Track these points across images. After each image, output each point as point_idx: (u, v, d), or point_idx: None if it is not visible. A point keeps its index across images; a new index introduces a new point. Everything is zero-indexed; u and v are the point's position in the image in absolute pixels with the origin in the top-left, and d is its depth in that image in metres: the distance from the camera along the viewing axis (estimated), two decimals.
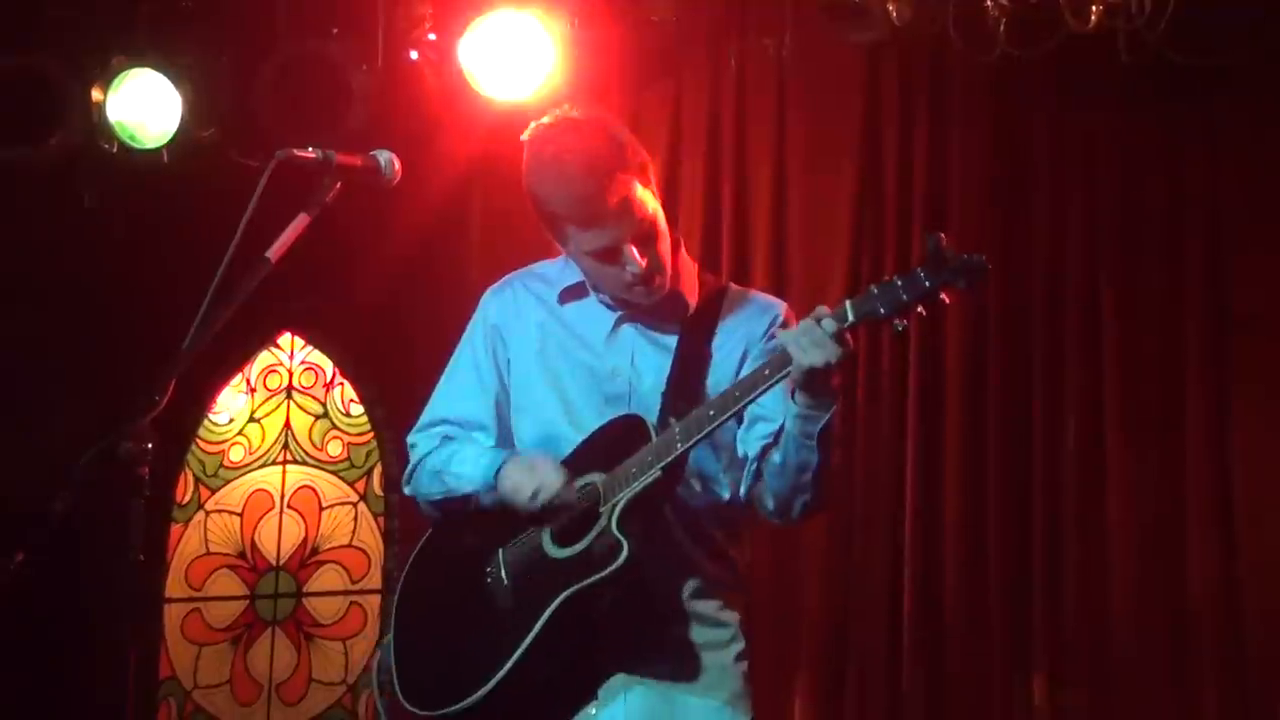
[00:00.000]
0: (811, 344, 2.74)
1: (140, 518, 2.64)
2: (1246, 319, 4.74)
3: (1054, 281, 4.89)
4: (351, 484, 5.83)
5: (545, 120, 3.04)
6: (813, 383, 2.79)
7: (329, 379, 5.90)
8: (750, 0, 5.21)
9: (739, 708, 3.02)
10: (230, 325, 2.69)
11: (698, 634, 3.02)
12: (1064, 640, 4.73)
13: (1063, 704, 4.69)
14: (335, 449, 5.86)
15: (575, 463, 2.99)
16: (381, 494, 5.76)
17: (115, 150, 5.24)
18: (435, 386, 3.28)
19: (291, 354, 5.95)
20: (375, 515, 5.77)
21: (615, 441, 2.95)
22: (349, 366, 5.85)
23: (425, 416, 3.25)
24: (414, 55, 5.12)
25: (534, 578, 2.93)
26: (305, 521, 5.81)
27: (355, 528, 5.79)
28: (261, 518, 5.84)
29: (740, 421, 2.98)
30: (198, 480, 5.88)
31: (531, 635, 2.87)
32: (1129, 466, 4.76)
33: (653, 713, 2.96)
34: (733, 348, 3.08)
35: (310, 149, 2.82)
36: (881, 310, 2.72)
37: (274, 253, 2.75)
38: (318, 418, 5.90)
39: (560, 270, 3.19)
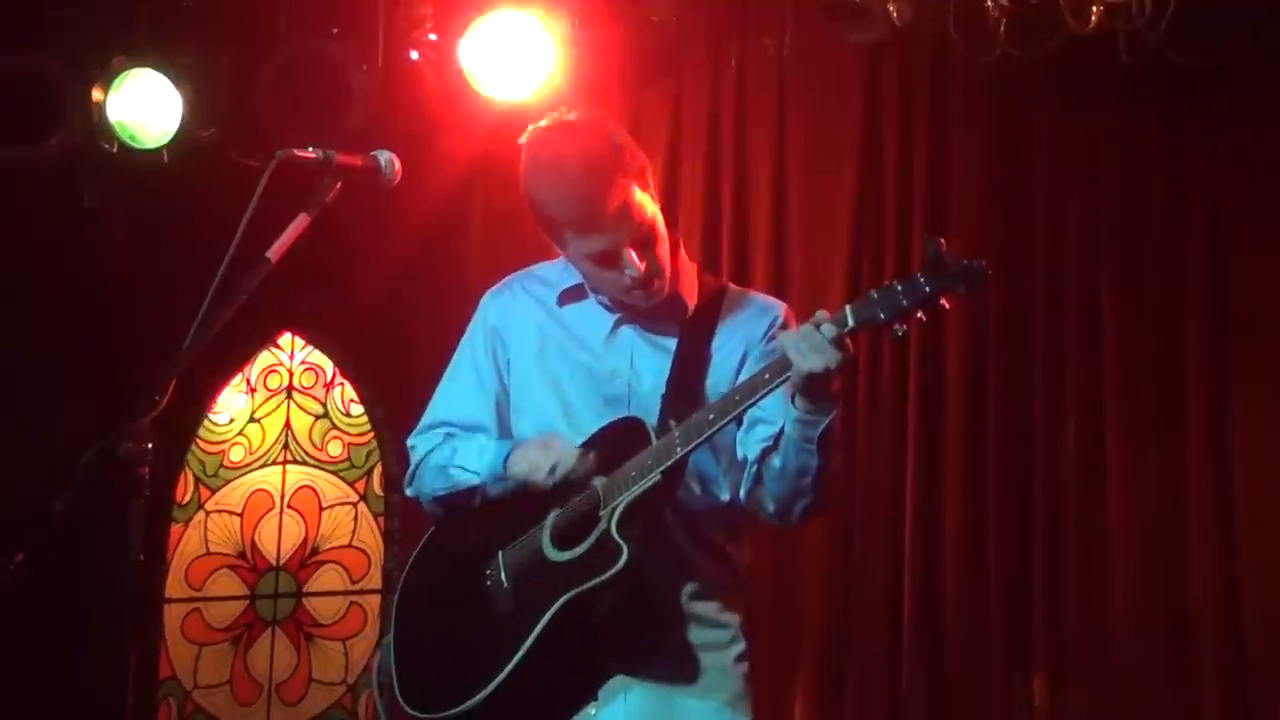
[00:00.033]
0: (811, 349, 2.74)
1: (140, 518, 2.64)
2: (1246, 319, 4.74)
3: (1054, 282, 4.89)
4: (351, 484, 5.83)
5: (543, 123, 3.04)
6: (812, 388, 2.78)
7: (329, 379, 5.90)
8: (750, 0, 5.21)
9: (739, 709, 3.02)
10: (230, 325, 2.69)
11: (698, 635, 3.02)
12: (1064, 640, 4.73)
13: (1063, 704, 4.69)
14: (335, 449, 5.86)
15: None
16: (382, 494, 5.76)
17: (115, 150, 5.24)
18: (435, 388, 3.28)
19: (292, 354, 5.95)
20: (375, 515, 5.77)
21: (615, 444, 2.94)
22: (349, 366, 5.85)
23: (426, 419, 3.25)
24: (414, 55, 5.12)
25: (534, 580, 2.93)
26: (305, 521, 5.81)
27: (355, 528, 5.79)
28: (262, 518, 5.84)
29: (740, 424, 2.98)
30: (198, 480, 5.88)
31: (531, 639, 2.87)
32: (1129, 467, 4.76)
33: (653, 713, 2.95)
34: (732, 349, 3.08)
35: (310, 149, 2.82)
36: (881, 316, 2.72)
37: (274, 253, 2.75)
38: (318, 418, 5.90)
39: (559, 272, 3.19)
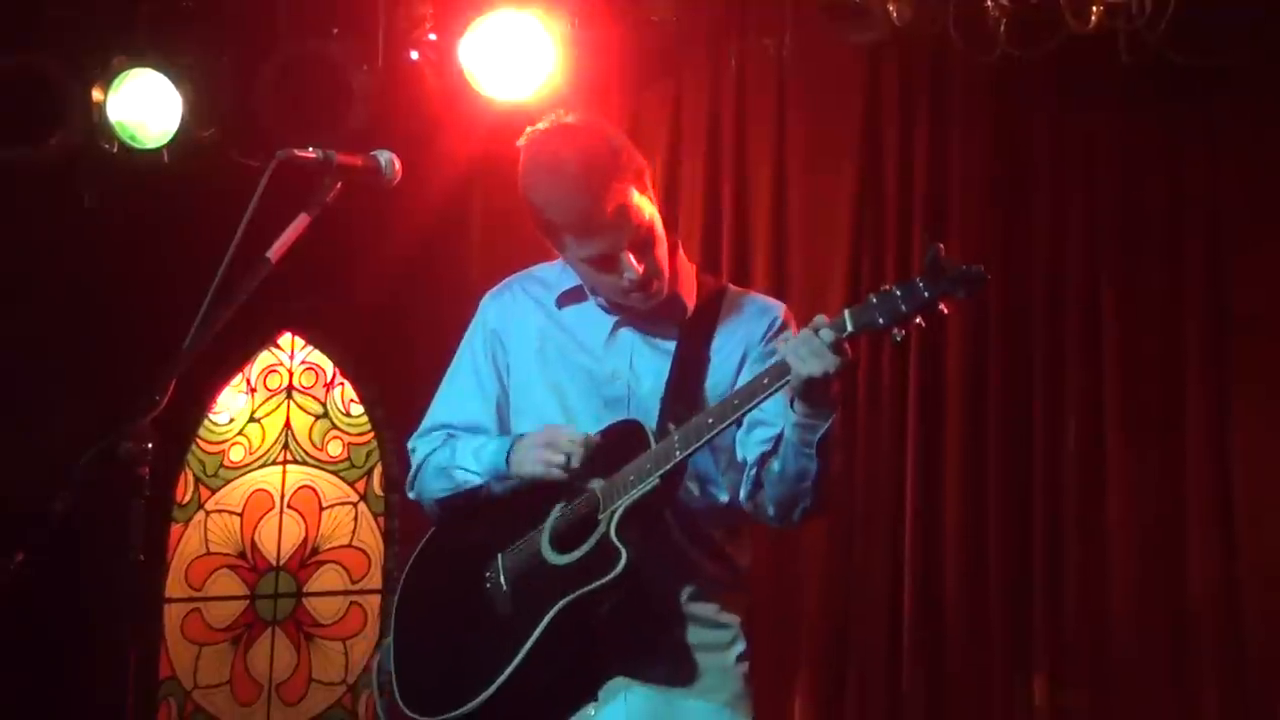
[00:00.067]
0: (810, 354, 2.74)
1: (140, 518, 2.64)
2: (1247, 319, 4.74)
3: (1054, 282, 4.89)
4: (352, 484, 5.83)
5: (540, 126, 3.03)
6: (811, 392, 2.78)
7: (329, 379, 5.90)
8: (750, 0, 5.21)
9: (739, 709, 3.02)
10: (230, 325, 2.69)
11: (698, 636, 3.02)
12: (1064, 641, 4.72)
13: (1063, 705, 4.69)
14: (335, 449, 5.86)
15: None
16: (382, 494, 5.76)
17: (115, 150, 5.24)
18: (435, 388, 3.28)
19: (292, 354, 5.95)
20: (375, 515, 5.77)
21: (614, 447, 2.94)
22: (349, 366, 5.85)
23: (426, 422, 3.25)
24: (414, 55, 5.11)
25: (533, 584, 2.93)
26: (305, 521, 5.81)
27: (355, 528, 5.79)
28: (262, 518, 5.84)
29: (740, 425, 2.97)
30: (198, 480, 5.88)
31: (530, 642, 2.87)
32: (1129, 467, 4.76)
33: (653, 714, 2.95)
34: (731, 350, 3.08)
35: (311, 149, 2.82)
36: (880, 320, 2.72)
37: (274, 253, 2.75)
38: (318, 418, 5.90)
39: (559, 273, 3.18)
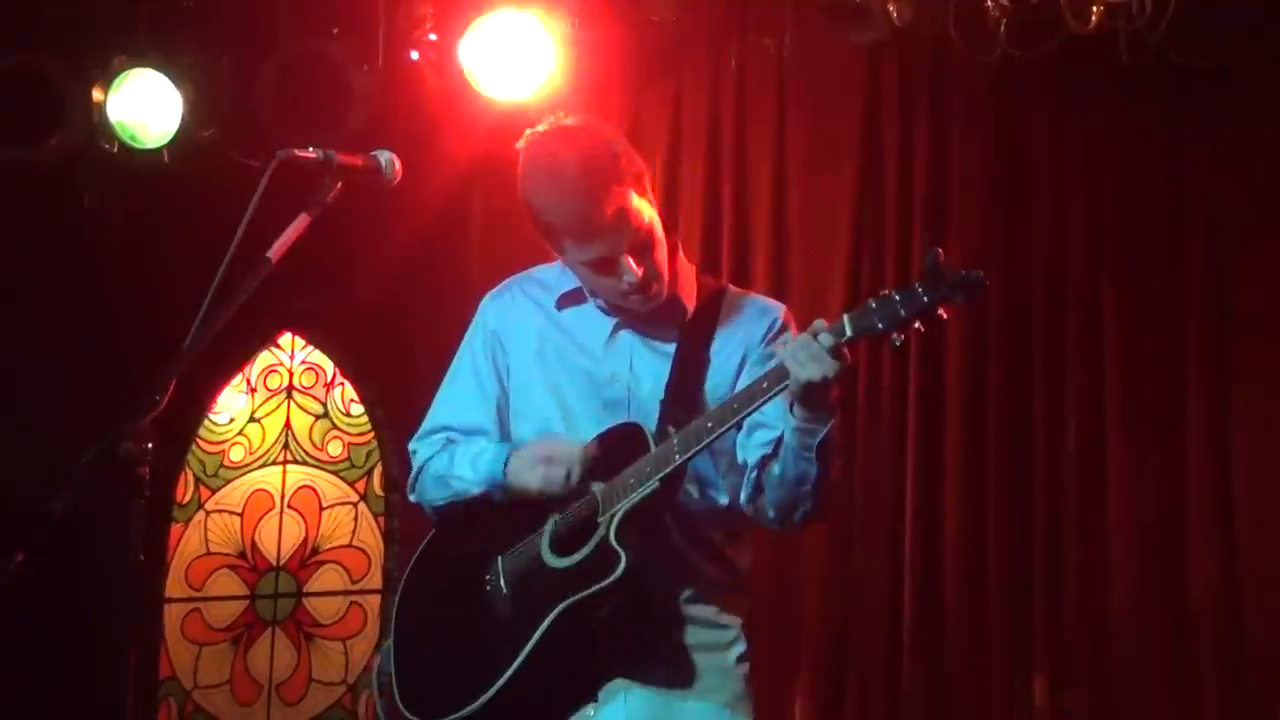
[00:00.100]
0: (809, 358, 2.73)
1: (140, 518, 2.64)
2: (1247, 319, 4.74)
3: (1054, 282, 4.89)
4: (352, 484, 5.83)
5: (540, 129, 3.03)
6: (810, 396, 2.78)
7: (329, 379, 5.90)
8: (750, 0, 5.21)
9: (740, 710, 3.02)
10: (230, 325, 2.69)
11: (698, 637, 3.01)
12: (1065, 641, 4.73)
13: (1063, 705, 4.69)
14: (335, 449, 5.86)
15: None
16: (382, 494, 5.76)
17: (115, 150, 5.24)
18: (435, 388, 3.28)
19: (292, 354, 5.95)
20: (375, 515, 5.77)
21: (613, 450, 2.94)
22: (349, 366, 5.85)
23: (426, 424, 3.25)
24: (415, 55, 5.11)
25: (533, 587, 2.94)
26: (305, 521, 5.81)
27: (355, 528, 5.79)
28: (262, 518, 5.84)
29: (739, 428, 2.97)
30: (198, 480, 5.88)
31: (530, 645, 2.87)
32: (1129, 467, 4.76)
33: (653, 714, 2.95)
34: (731, 352, 3.07)
35: (311, 149, 2.82)
36: (879, 326, 2.71)
37: (274, 253, 2.75)
38: (318, 418, 5.90)
39: (558, 275, 3.18)
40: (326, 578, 5.76)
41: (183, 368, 2.66)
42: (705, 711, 2.99)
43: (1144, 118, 4.87)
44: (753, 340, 3.08)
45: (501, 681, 2.87)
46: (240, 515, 5.85)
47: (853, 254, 5.00)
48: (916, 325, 2.71)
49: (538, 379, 3.13)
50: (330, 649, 5.72)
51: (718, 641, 3.04)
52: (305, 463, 5.86)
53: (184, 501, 5.86)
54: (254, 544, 5.82)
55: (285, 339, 5.94)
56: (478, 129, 5.01)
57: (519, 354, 3.17)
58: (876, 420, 4.90)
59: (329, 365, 5.90)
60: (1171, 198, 4.85)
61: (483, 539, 3.06)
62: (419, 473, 3.21)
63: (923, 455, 4.87)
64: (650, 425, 2.95)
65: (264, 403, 5.91)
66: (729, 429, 2.86)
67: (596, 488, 2.92)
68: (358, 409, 5.85)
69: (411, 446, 3.26)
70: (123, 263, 5.49)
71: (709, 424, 2.85)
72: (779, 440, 2.91)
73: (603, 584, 2.83)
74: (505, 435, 3.16)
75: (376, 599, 5.68)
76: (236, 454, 5.89)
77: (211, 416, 5.90)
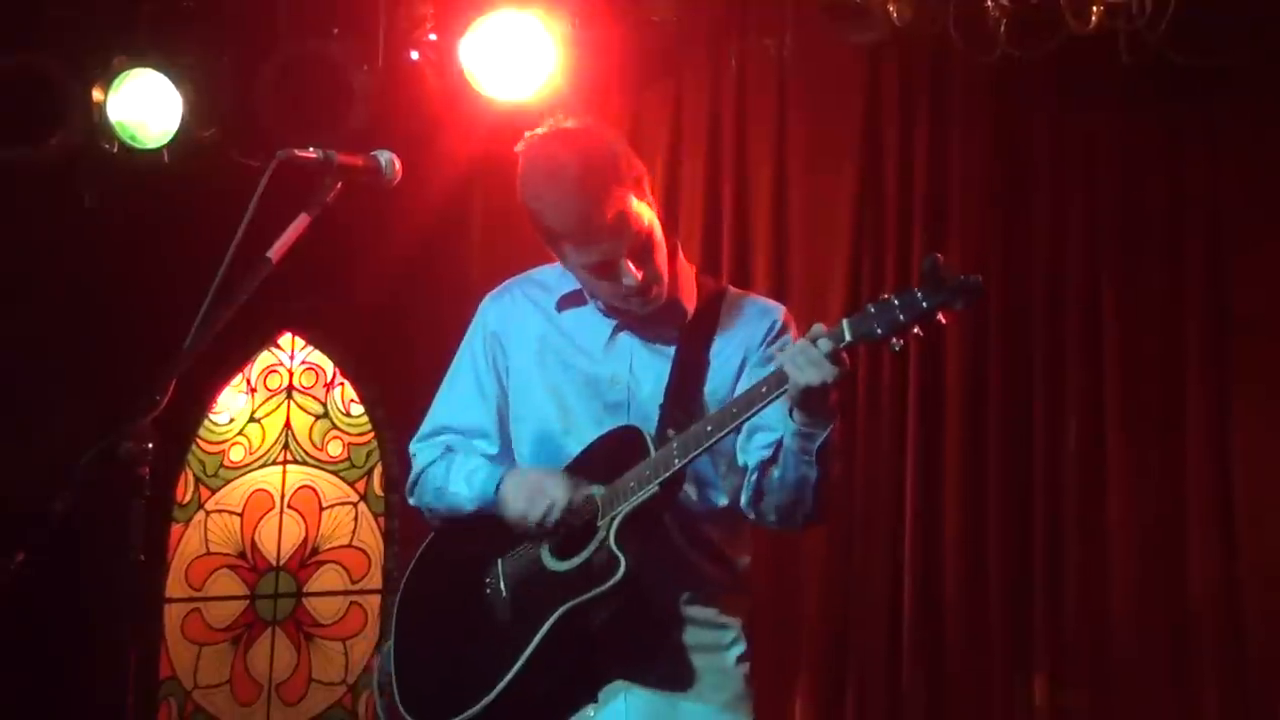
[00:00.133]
0: (808, 363, 2.73)
1: (140, 518, 2.64)
2: (1247, 319, 4.74)
3: (1054, 282, 4.89)
4: (352, 484, 5.83)
5: (539, 131, 3.02)
6: (809, 401, 2.78)
7: (329, 379, 5.90)
8: (750, 0, 5.21)
9: (740, 710, 3.03)
10: (230, 325, 2.69)
11: (697, 638, 3.02)
12: (1065, 641, 4.73)
13: (1063, 705, 4.69)
14: (335, 449, 5.86)
15: (574, 474, 2.98)
16: (382, 494, 5.76)
17: (115, 150, 5.23)
18: (435, 388, 3.28)
19: (292, 354, 5.95)
20: (375, 515, 5.77)
21: (613, 453, 2.95)
22: (349, 366, 5.85)
23: (426, 425, 3.25)
24: (415, 55, 5.11)
25: (532, 590, 2.94)
26: (305, 521, 5.81)
27: (355, 528, 5.79)
28: (262, 518, 5.83)
29: (739, 431, 2.97)
30: (198, 480, 5.88)
31: (530, 649, 2.87)
32: (1130, 467, 4.76)
33: (653, 714, 2.95)
34: (731, 354, 3.07)
35: (311, 149, 2.82)
36: (878, 331, 2.71)
37: (274, 253, 2.74)
38: (318, 418, 5.90)
39: (559, 277, 3.17)
40: (326, 578, 5.76)
41: (183, 368, 2.65)
42: (705, 712, 2.99)
43: (1144, 118, 4.87)
44: (753, 342, 3.08)
45: (502, 685, 2.87)
46: (240, 515, 5.84)
47: (853, 254, 5.00)
48: (915, 330, 2.71)
49: (537, 380, 3.13)
50: (330, 649, 5.72)
51: (718, 642, 3.04)
52: (305, 463, 5.86)
53: (184, 501, 5.86)
54: (254, 544, 5.82)
55: (285, 339, 5.93)
56: (478, 129, 5.01)
57: (519, 355, 3.16)
58: (876, 421, 4.90)
59: (329, 365, 5.90)
60: (1171, 198, 4.85)
61: (482, 542, 3.05)
62: (419, 476, 3.21)
63: (923, 455, 4.87)
64: (650, 427, 2.95)
65: (264, 403, 5.91)
66: (728, 433, 2.86)
67: (596, 491, 2.92)
68: (358, 409, 5.85)
69: (412, 449, 3.26)
70: (123, 263, 5.49)
71: (708, 428, 2.85)
72: (779, 443, 2.91)
73: (602, 588, 2.84)
74: (506, 436, 3.16)
75: (376, 599, 5.68)
76: (236, 454, 5.89)
77: (211, 416, 5.90)
